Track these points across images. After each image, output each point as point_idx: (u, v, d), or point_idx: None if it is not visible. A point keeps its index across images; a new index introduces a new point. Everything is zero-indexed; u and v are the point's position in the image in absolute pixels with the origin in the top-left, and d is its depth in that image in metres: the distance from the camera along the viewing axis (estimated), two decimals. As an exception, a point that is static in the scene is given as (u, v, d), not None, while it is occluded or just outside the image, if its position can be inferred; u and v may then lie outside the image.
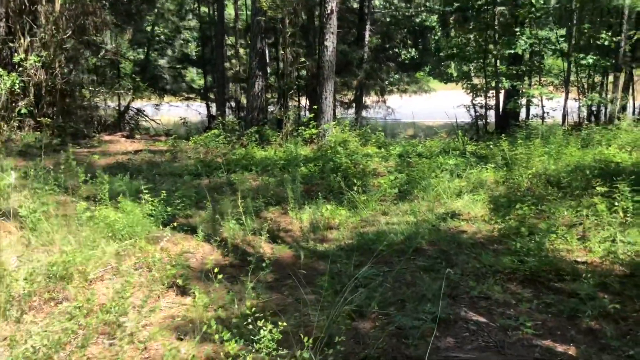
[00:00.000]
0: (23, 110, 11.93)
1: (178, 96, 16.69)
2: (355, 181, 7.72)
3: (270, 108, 14.71)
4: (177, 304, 4.01)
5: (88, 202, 5.90)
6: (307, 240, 5.74)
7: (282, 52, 12.69)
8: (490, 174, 8.81)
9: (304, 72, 15.47)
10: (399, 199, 7.42)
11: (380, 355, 3.32)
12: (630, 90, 15.87)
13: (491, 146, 11.63)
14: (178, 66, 16.82)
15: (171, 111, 17.08)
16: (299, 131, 11.27)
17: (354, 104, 17.97)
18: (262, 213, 6.66)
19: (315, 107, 11.60)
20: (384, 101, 18.94)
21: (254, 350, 2.96)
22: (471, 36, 17.85)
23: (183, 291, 4.10)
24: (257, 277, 4.29)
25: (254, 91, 11.96)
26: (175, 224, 5.82)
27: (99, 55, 14.21)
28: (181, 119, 16.48)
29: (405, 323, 3.67)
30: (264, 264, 4.11)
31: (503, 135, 12.11)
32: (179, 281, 4.14)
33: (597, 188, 5.92)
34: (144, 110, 16.94)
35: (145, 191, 5.76)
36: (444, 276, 4.50)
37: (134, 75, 16.05)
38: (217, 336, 2.91)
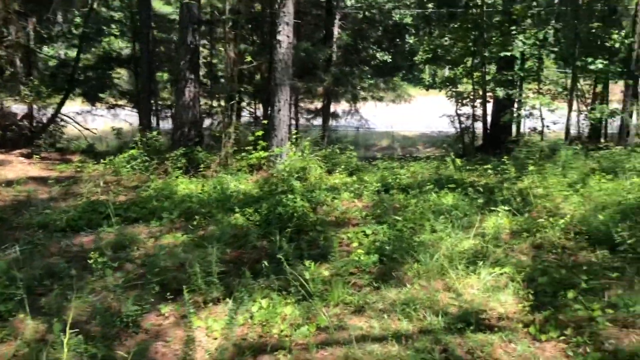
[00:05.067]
0: None
1: (103, 102, 13.57)
2: (310, 242, 4.96)
3: (209, 121, 11.67)
4: None
5: None
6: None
7: (221, 48, 9.82)
8: (504, 220, 6.10)
9: (258, 77, 12.58)
10: (381, 276, 4.65)
11: None
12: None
13: (489, 170, 9.04)
14: (102, 66, 13.68)
15: (96, 120, 13.95)
16: (243, 154, 8.36)
17: (321, 113, 15.15)
18: (142, 319, 3.77)
19: (266, 121, 8.77)
20: (357, 110, 16.17)
21: None
22: (455, 36, 15.18)
23: None
24: None
25: (183, 100, 8.99)
26: None
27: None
28: (113, 130, 13.46)
29: None
30: None
31: (503, 155, 9.60)
32: None
33: None
34: (70, 118, 13.74)
35: None
36: None
37: (32, 77, 12.49)
38: None
